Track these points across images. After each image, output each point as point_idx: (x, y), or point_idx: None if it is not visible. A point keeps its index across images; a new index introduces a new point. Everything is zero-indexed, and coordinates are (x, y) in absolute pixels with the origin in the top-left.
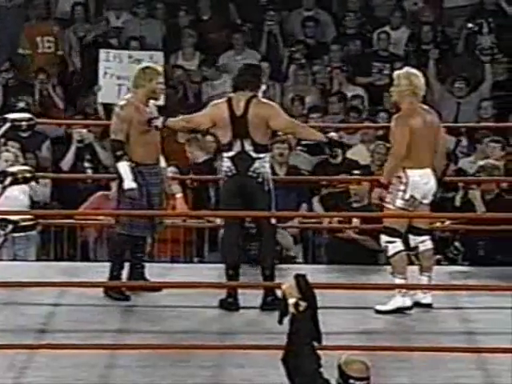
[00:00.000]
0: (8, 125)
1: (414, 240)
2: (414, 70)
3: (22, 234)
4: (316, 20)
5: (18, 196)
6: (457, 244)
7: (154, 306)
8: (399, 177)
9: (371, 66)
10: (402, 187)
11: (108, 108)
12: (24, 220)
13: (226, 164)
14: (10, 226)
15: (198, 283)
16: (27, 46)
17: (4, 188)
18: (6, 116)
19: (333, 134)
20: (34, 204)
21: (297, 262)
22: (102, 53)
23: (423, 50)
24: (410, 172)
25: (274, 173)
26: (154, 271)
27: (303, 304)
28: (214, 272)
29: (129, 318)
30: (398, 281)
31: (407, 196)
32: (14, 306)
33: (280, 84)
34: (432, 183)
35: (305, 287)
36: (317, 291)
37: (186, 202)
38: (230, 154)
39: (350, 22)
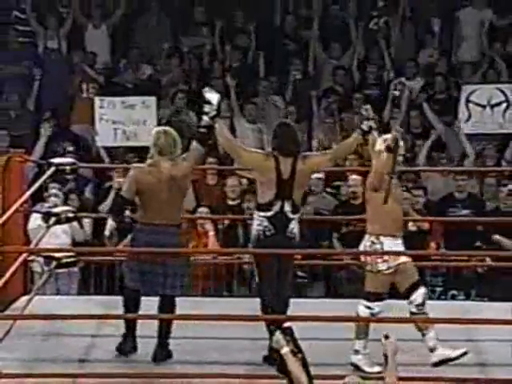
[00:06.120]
0: (53, 169)
1: None
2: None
3: (64, 270)
4: (344, 68)
5: (60, 235)
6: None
7: (192, 337)
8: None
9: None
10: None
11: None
12: (66, 257)
13: (262, 223)
14: (54, 263)
15: (227, 316)
16: (73, 92)
17: (48, 227)
18: (52, 161)
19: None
20: (75, 242)
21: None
22: (97, 100)
23: (437, 99)
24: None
25: None
26: (185, 305)
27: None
28: (243, 305)
29: None
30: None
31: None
32: (57, 336)
33: (307, 129)
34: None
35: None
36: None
37: (218, 240)
38: (268, 214)
39: (371, 73)
